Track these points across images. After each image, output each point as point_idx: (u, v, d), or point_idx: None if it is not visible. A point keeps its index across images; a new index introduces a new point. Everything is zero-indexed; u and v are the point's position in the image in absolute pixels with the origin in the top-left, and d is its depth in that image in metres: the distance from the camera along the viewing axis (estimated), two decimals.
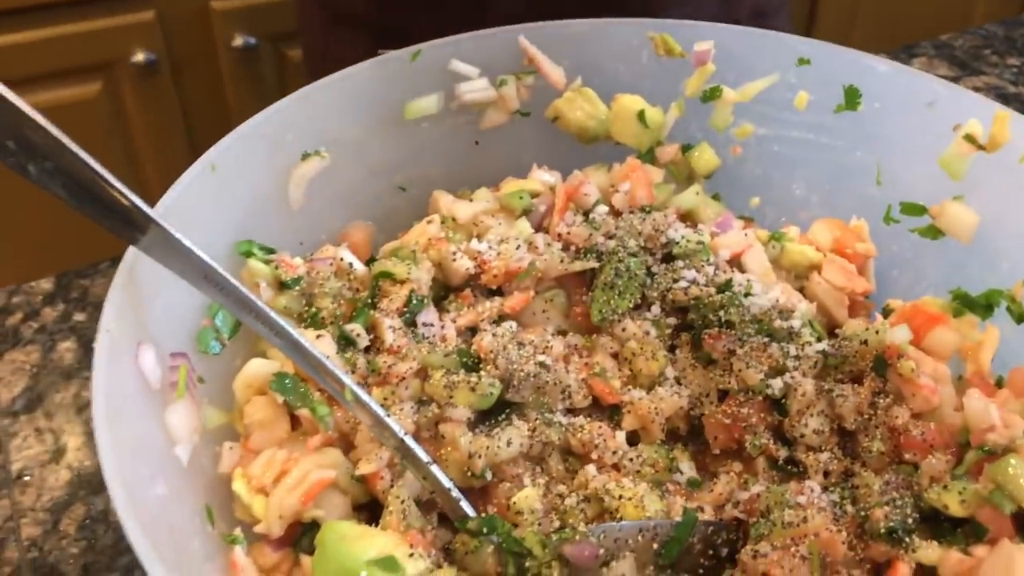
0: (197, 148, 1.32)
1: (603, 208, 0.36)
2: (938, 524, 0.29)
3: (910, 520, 0.28)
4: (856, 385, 0.32)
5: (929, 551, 0.27)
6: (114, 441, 0.24)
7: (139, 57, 1.36)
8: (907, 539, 0.28)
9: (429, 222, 0.35)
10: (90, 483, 0.42)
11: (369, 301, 0.33)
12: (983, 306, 0.35)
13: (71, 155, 0.26)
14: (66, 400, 0.45)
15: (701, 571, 0.29)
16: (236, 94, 1.51)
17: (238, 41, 1.45)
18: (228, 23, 1.45)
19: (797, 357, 0.32)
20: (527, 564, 0.28)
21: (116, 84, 1.39)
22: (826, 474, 0.31)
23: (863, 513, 0.29)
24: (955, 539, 0.28)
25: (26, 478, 0.42)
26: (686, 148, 0.41)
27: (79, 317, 0.49)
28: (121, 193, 0.27)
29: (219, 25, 1.44)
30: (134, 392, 0.27)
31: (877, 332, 0.32)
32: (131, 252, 0.28)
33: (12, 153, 0.27)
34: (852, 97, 0.37)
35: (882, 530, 0.28)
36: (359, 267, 0.34)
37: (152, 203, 0.29)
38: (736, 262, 0.36)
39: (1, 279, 0.53)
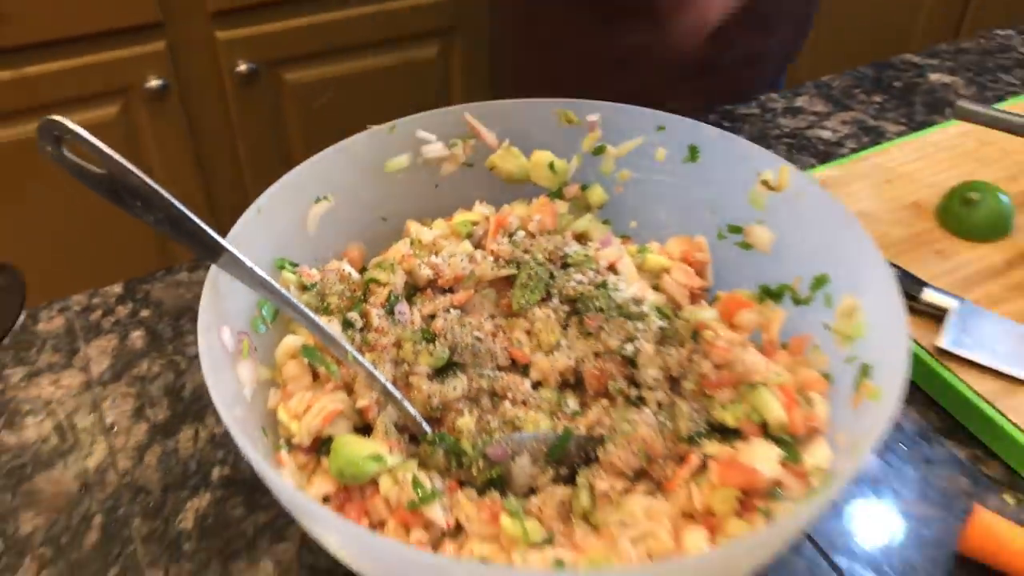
0: (203, 162, 1.48)
1: (522, 232, 0.53)
2: (722, 433, 0.46)
3: (702, 430, 0.45)
4: (681, 347, 0.48)
5: (710, 447, 0.44)
6: (214, 381, 0.40)
7: (152, 83, 1.51)
8: (699, 441, 0.45)
9: (403, 243, 0.52)
10: (164, 430, 0.58)
11: (362, 297, 0.50)
12: (776, 295, 0.52)
13: (175, 208, 0.43)
14: (140, 372, 0.62)
15: (575, 465, 0.46)
16: (239, 114, 1.66)
17: (241, 67, 1.60)
18: (231, 51, 1.59)
19: (644, 330, 0.49)
20: (464, 460, 0.45)
21: (132, 107, 1.54)
22: (659, 404, 0.48)
23: (675, 425, 0.46)
24: (727, 440, 0.45)
25: (115, 429, 0.59)
26: (584, 187, 0.57)
27: (144, 313, 0.66)
28: (205, 231, 0.43)
29: (223, 53, 1.58)
30: (220, 354, 0.43)
31: (693, 315, 0.48)
32: (212, 268, 0.45)
33: (136, 208, 0.43)
34: (693, 153, 0.54)
35: (685, 436, 0.45)
36: (355, 275, 0.51)
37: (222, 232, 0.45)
38: (612, 268, 0.53)
39: (81, 286, 0.69)
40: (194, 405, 0.59)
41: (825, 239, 0.49)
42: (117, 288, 0.67)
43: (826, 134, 0.81)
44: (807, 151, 0.79)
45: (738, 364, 0.47)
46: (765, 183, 0.51)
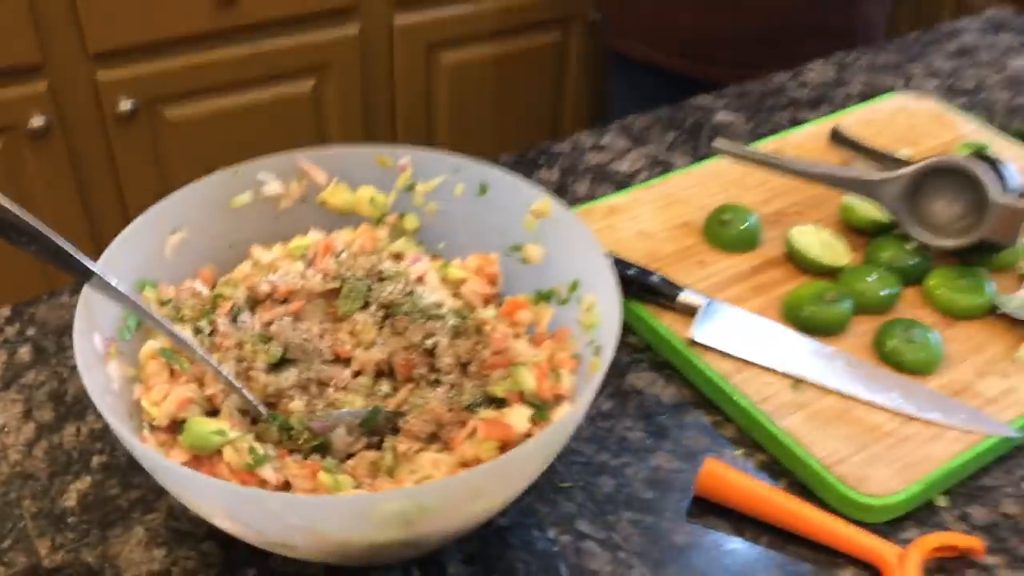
0: (87, 200, 1.56)
1: (345, 253, 0.66)
2: (496, 403, 0.60)
3: (479, 400, 0.59)
4: (468, 339, 0.62)
5: (485, 413, 0.58)
6: (88, 376, 0.52)
7: (34, 122, 1.59)
8: (476, 409, 0.58)
9: (246, 264, 0.64)
10: (50, 428, 0.68)
11: (211, 310, 0.62)
12: (546, 297, 0.66)
13: (51, 240, 0.54)
14: (27, 382, 0.72)
15: (384, 435, 0.59)
16: (121, 150, 1.74)
17: (123, 106, 1.69)
18: (112, 91, 1.68)
19: (441, 327, 0.62)
20: (292, 434, 0.57)
21: (15, 146, 1.61)
22: (452, 385, 0.61)
23: (460, 399, 0.59)
24: (498, 408, 0.59)
25: (6, 428, 0.69)
26: (401, 216, 0.71)
27: (30, 332, 0.76)
28: (77, 259, 0.54)
29: (105, 92, 1.67)
30: (92, 356, 0.54)
31: (479, 312, 0.62)
32: (85, 288, 0.56)
33: (21, 241, 0.54)
34: (483, 189, 0.68)
35: (465, 406, 0.59)
36: (205, 291, 0.63)
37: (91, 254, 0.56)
38: (421, 279, 0.66)
39: None
40: (75, 407, 0.70)
41: (575, 253, 0.63)
42: (5, 311, 0.77)
43: (624, 167, 0.96)
44: (607, 181, 0.94)
45: (509, 351, 0.60)
46: (533, 211, 0.66)
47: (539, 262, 0.67)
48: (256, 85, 1.77)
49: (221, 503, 0.48)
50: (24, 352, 0.74)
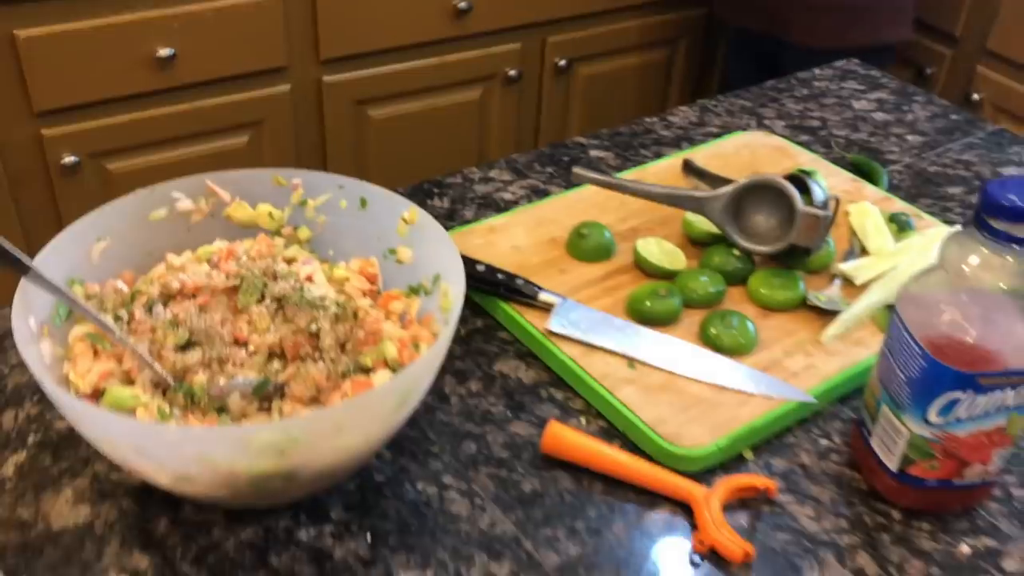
0: (31, 250, 1.66)
1: (245, 257, 0.79)
2: (367, 372, 0.73)
3: (351, 369, 0.72)
4: (344, 323, 0.75)
5: (357, 379, 0.71)
6: (25, 349, 0.64)
7: None
8: (349, 375, 0.71)
9: (161, 266, 0.77)
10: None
11: (129, 302, 0.74)
12: (415, 290, 0.80)
13: None
14: None
15: (271, 401, 0.71)
16: (65, 202, 1.85)
17: (66, 160, 1.80)
18: (56, 146, 1.80)
19: (324, 315, 0.75)
20: (195, 399, 0.70)
21: None
22: (332, 360, 0.74)
23: (337, 368, 0.72)
24: (368, 374, 0.72)
25: None
26: (295, 228, 0.84)
27: None
28: (16, 256, 0.67)
29: (50, 148, 1.79)
30: (28, 336, 0.67)
31: (351, 304, 0.76)
32: (23, 280, 0.68)
33: None
34: (363, 202, 0.82)
35: (341, 374, 0.72)
36: (125, 288, 0.75)
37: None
38: (310, 278, 0.79)
39: None
40: (14, 396, 0.81)
41: (436, 252, 0.77)
42: None
43: (508, 195, 1.11)
44: (492, 208, 1.08)
45: (379, 331, 0.73)
46: (404, 219, 0.79)
47: (409, 262, 0.80)
48: (195, 140, 1.90)
49: (130, 438, 0.60)
50: None
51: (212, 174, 0.80)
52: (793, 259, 0.95)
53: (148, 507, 0.73)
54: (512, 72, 2.19)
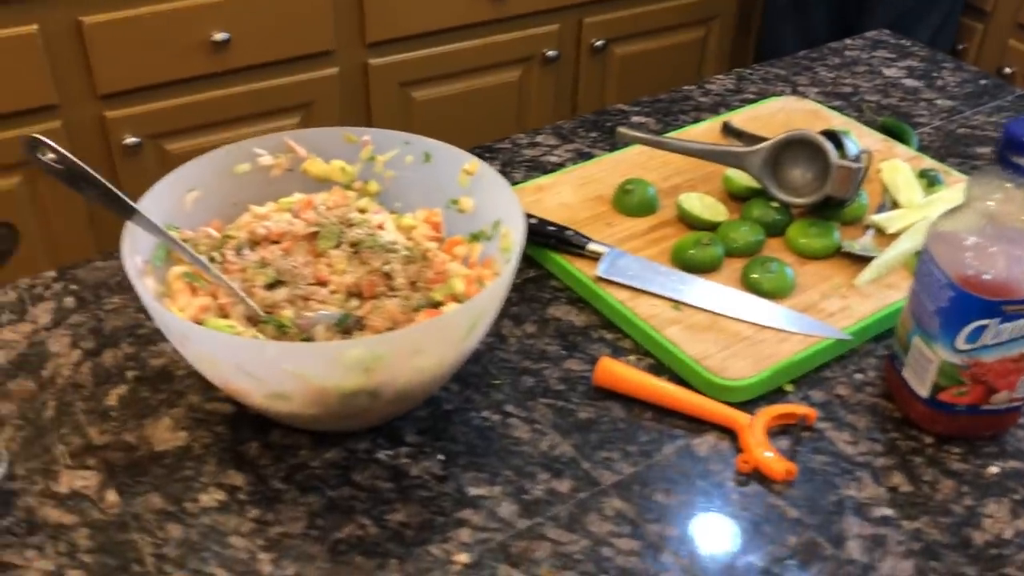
0: (97, 228, 1.76)
1: (323, 207, 0.86)
2: (436, 305, 0.79)
3: (423, 303, 0.78)
4: (414, 264, 0.82)
5: (430, 311, 0.78)
6: (136, 281, 0.71)
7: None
8: (421, 309, 0.78)
9: (248, 215, 0.85)
10: (93, 353, 0.88)
11: (220, 246, 0.82)
12: (477, 236, 0.86)
13: (108, 188, 0.74)
14: (73, 322, 0.91)
15: (351, 332, 0.79)
16: (126, 181, 1.94)
17: (128, 140, 1.89)
18: (119, 127, 1.88)
19: (395, 257, 0.82)
20: (284, 330, 0.77)
21: (33, 179, 1.81)
22: (404, 297, 0.81)
23: (410, 303, 0.79)
24: (439, 307, 0.79)
25: (59, 353, 0.88)
26: (365, 182, 0.91)
27: (73, 287, 0.96)
28: (125, 200, 0.74)
29: (112, 129, 1.88)
30: (136, 272, 0.74)
31: (421, 247, 0.83)
32: (128, 224, 0.76)
33: (84, 188, 0.73)
34: (428, 157, 0.88)
35: (414, 308, 0.78)
36: (215, 234, 0.83)
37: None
38: (380, 227, 0.86)
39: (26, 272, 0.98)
40: (112, 337, 0.89)
41: (496, 200, 0.84)
42: (52, 273, 0.97)
43: (554, 158, 1.17)
44: (539, 170, 1.15)
45: (446, 270, 0.80)
46: (466, 171, 0.86)
47: (471, 211, 0.87)
48: (248, 121, 1.98)
49: (232, 355, 0.67)
50: (69, 301, 0.93)
51: (289, 132, 0.88)
52: (828, 211, 1.01)
53: (240, 432, 0.80)
54: (550, 53, 2.25)
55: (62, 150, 0.71)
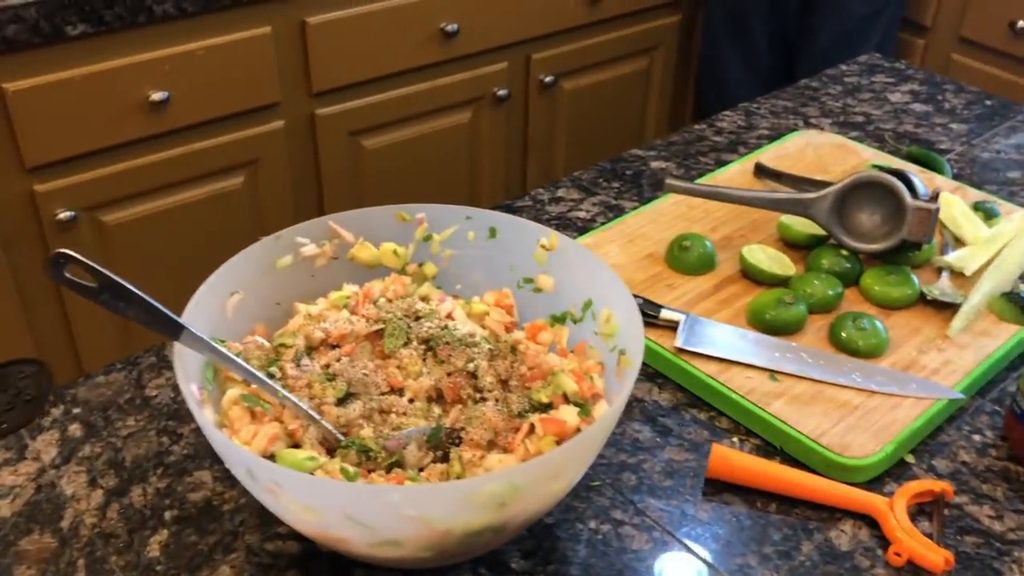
0: (29, 309, 1.58)
1: (383, 299, 0.75)
2: (540, 409, 0.68)
3: (527, 408, 0.68)
4: (504, 360, 0.71)
5: (533, 417, 0.67)
6: (199, 416, 0.58)
7: None
8: (526, 415, 0.67)
9: (299, 317, 0.72)
10: (117, 492, 0.73)
11: (275, 358, 0.69)
12: (560, 319, 0.76)
13: (150, 304, 0.61)
14: (84, 454, 0.77)
15: (447, 449, 0.67)
16: None
17: (61, 215, 1.72)
18: (50, 201, 1.71)
19: (479, 352, 0.71)
20: (370, 454, 0.65)
21: None
22: (496, 400, 0.70)
23: (509, 409, 0.68)
24: (545, 411, 0.68)
25: (75, 496, 0.73)
26: (420, 265, 0.80)
27: (76, 411, 0.81)
28: (171, 317, 0.61)
29: (43, 203, 1.70)
30: (196, 404, 0.61)
31: (509, 338, 0.72)
32: (177, 343, 0.63)
33: (120, 308, 0.60)
34: (493, 232, 0.78)
35: (516, 413, 0.67)
36: (266, 343, 0.70)
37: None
38: (449, 316, 0.75)
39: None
40: (136, 471, 0.75)
41: (584, 277, 0.74)
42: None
43: (582, 214, 1.08)
44: (570, 228, 1.05)
45: (544, 364, 0.70)
46: (543, 246, 0.76)
47: (551, 289, 0.77)
48: (190, 185, 1.83)
49: (343, 503, 0.55)
50: (75, 429, 0.78)
51: (333, 216, 0.76)
52: (898, 256, 0.94)
53: None
54: (500, 92, 2.17)
55: (96, 266, 0.58)
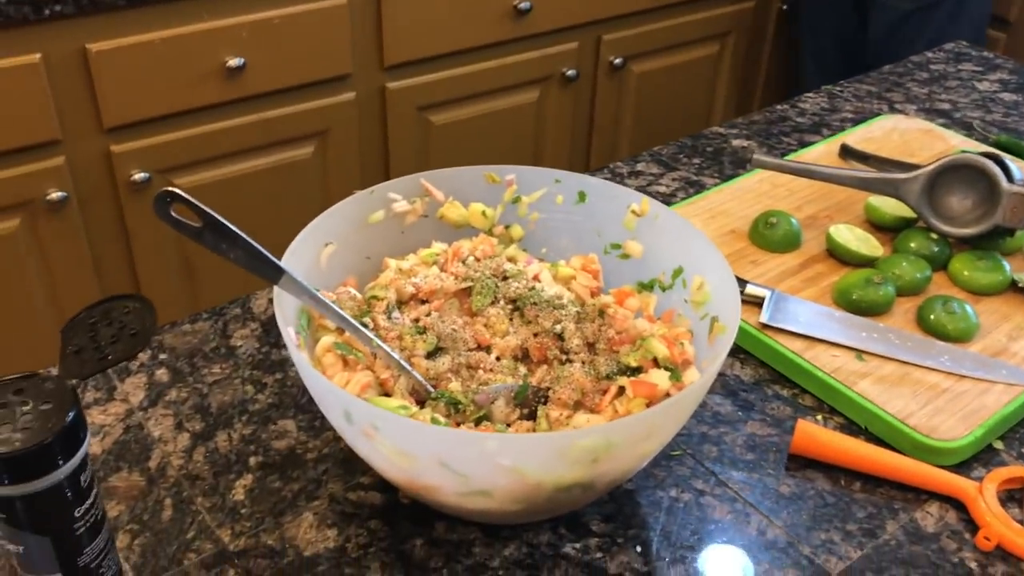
0: (100, 268, 1.61)
1: (471, 258, 0.75)
2: (628, 372, 0.68)
3: (615, 369, 0.67)
4: (591, 323, 0.71)
5: (621, 380, 0.66)
6: (296, 357, 0.59)
7: (52, 195, 1.64)
8: (614, 377, 0.67)
9: (390, 271, 0.73)
10: (203, 436, 0.75)
11: (367, 310, 0.70)
12: (648, 286, 0.75)
13: (252, 246, 0.61)
14: (171, 399, 0.78)
15: (532, 407, 0.67)
16: (132, 219, 1.79)
17: (135, 176, 1.75)
18: (126, 162, 1.74)
19: (566, 315, 0.71)
20: (459, 407, 0.65)
21: (33, 220, 1.66)
22: (583, 362, 0.69)
23: (597, 371, 0.68)
24: (633, 374, 0.67)
25: (162, 438, 0.75)
26: (507, 227, 0.80)
27: (162, 356, 0.82)
28: (273, 261, 0.62)
29: (119, 164, 1.73)
30: (292, 345, 0.62)
31: (597, 302, 0.71)
32: (276, 287, 0.64)
33: (222, 248, 0.61)
34: (582, 196, 0.77)
35: (604, 375, 0.67)
36: (358, 295, 0.71)
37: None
38: (536, 278, 0.75)
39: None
40: (221, 417, 0.76)
41: (676, 243, 0.73)
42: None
43: (662, 188, 1.07)
44: None
45: (632, 328, 0.69)
46: (633, 211, 0.75)
47: (639, 256, 0.76)
48: (261, 152, 1.85)
49: (439, 448, 0.55)
50: (162, 374, 0.80)
51: (425, 173, 0.76)
52: (990, 241, 0.92)
53: (398, 527, 0.68)
54: (569, 72, 2.16)
55: (202, 206, 0.59)
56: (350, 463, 0.72)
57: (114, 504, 0.69)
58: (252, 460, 0.73)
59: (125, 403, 0.77)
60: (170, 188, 0.59)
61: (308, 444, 0.74)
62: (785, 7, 2.44)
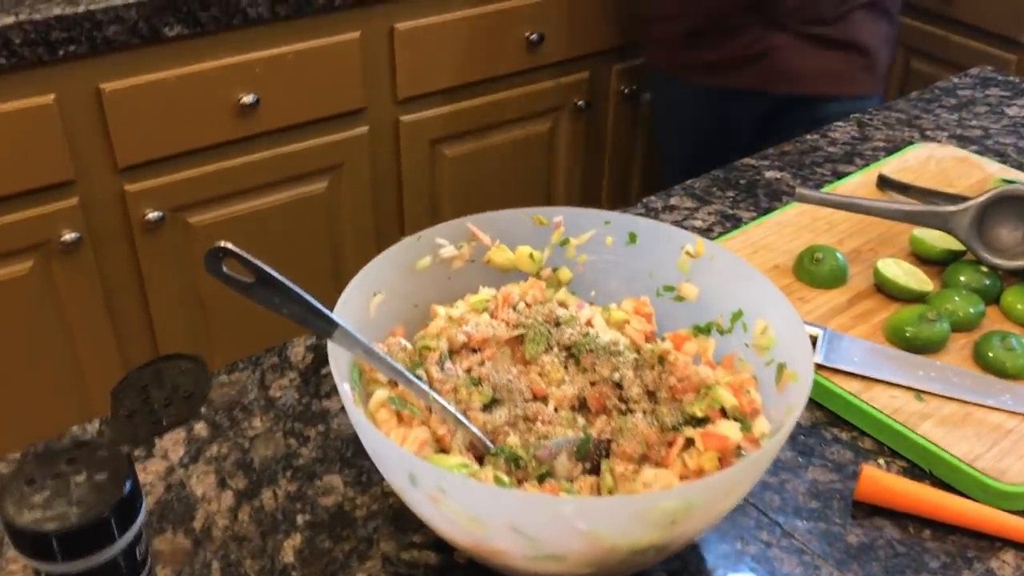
0: (113, 309, 1.59)
1: (522, 304, 0.72)
2: (694, 422, 0.66)
3: (680, 420, 0.65)
4: (651, 370, 0.68)
5: (688, 431, 0.64)
6: (353, 415, 0.56)
7: (66, 236, 1.62)
8: (680, 428, 0.64)
9: (440, 319, 0.70)
10: (247, 495, 0.72)
11: (419, 361, 0.67)
12: (705, 330, 0.73)
13: (305, 300, 0.59)
14: (212, 454, 0.75)
15: (595, 460, 0.64)
16: (145, 259, 1.77)
17: (149, 215, 1.72)
18: (139, 201, 1.72)
19: (623, 362, 0.68)
20: (520, 463, 0.62)
21: (47, 261, 1.64)
22: (644, 412, 0.67)
23: (661, 421, 0.65)
24: (699, 425, 0.65)
25: (206, 497, 0.72)
26: (555, 270, 0.77)
27: (201, 408, 0.80)
28: (326, 314, 0.59)
29: (132, 203, 1.71)
30: (349, 401, 0.59)
31: (656, 348, 0.69)
32: (331, 342, 0.61)
33: (275, 304, 0.58)
34: (632, 237, 0.75)
35: (669, 426, 0.64)
36: (408, 345, 0.68)
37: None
38: (589, 323, 0.73)
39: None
40: (265, 473, 0.74)
41: (734, 285, 0.71)
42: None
43: (698, 223, 1.05)
44: None
45: (694, 376, 0.67)
46: (688, 252, 0.73)
47: (694, 299, 0.74)
48: (274, 188, 1.83)
49: (512, 512, 0.52)
50: (201, 428, 0.77)
51: (471, 217, 0.74)
52: None
53: None
54: (581, 102, 2.15)
55: (255, 260, 0.56)
56: (401, 520, 0.69)
57: (160, 569, 0.66)
58: (299, 519, 0.70)
59: (165, 460, 0.74)
60: (222, 244, 0.57)
61: (356, 500, 0.71)
62: None
